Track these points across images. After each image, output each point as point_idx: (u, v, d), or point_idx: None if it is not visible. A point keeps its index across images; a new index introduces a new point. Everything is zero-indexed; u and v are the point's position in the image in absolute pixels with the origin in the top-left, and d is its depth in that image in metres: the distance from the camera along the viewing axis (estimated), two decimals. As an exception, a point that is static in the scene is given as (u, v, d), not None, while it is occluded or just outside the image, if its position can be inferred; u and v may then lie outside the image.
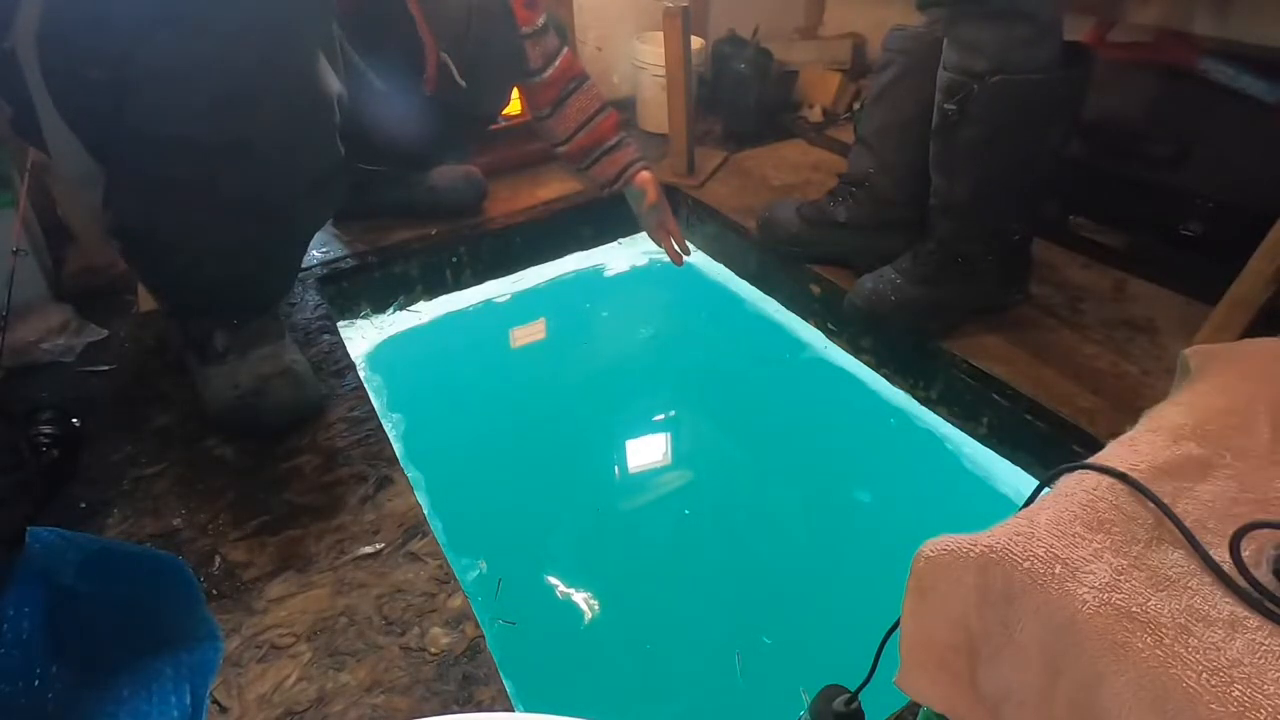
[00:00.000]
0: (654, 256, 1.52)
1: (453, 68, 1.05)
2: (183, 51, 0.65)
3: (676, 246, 1.26)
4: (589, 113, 1.19)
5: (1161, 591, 0.36)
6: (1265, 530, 0.38)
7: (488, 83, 1.11)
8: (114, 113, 0.67)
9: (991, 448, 1.01)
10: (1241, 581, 0.36)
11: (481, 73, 1.08)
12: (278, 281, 0.90)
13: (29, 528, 0.46)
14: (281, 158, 0.74)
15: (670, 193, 1.46)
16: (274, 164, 0.73)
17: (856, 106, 1.67)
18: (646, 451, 1.14)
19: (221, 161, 0.71)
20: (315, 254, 1.21)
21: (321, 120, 0.75)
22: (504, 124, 1.44)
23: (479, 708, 0.60)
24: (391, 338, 1.27)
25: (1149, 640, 0.34)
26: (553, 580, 0.92)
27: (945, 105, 0.89)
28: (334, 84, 0.75)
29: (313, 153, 0.77)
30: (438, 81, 1.05)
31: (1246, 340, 0.53)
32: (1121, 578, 0.36)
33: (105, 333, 1.01)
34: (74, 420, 0.82)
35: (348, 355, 0.99)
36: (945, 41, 0.89)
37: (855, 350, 1.19)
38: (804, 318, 1.27)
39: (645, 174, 1.21)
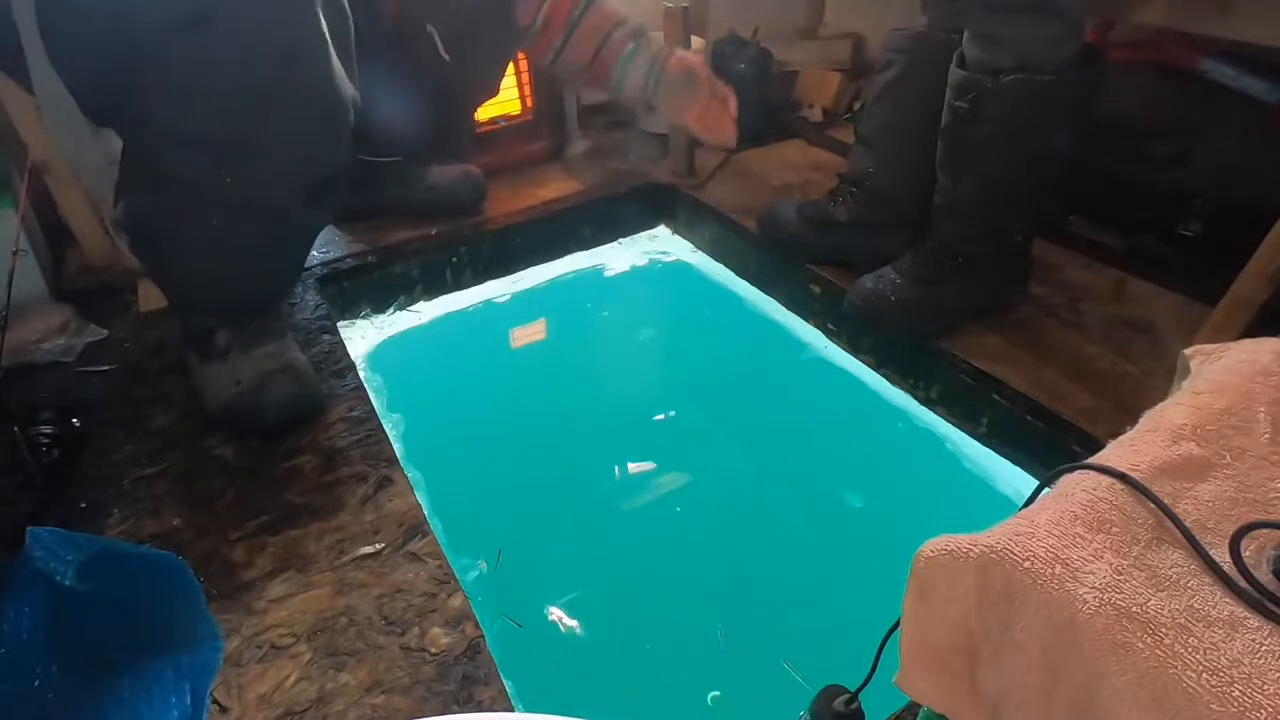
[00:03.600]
0: (654, 257, 1.52)
1: (438, 39, 1.04)
2: (206, 53, 0.66)
3: (724, 128, 1.13)
4: (604, 31, 1.10)
5: (1162, 592, 0.36)
6: (1265, 530, 0.38)
7: (474, 61, 1.10)
8: (134, 111, 0.68)
9: (991, 448, 1.01)
10: (1241, 582, 0.36)
11: (467, 48, 1.07)
12: (281, 281, 0.90)
13: (29, 528, 0.46)
14: (293, 161, 0.74)
15: (670, 193, 1.46)
16: (285, 167, 0.74)
17: (856, 106, 1.67)
18: (646, 451, 1.14)
19: (235, 162, 0.71)
20: (315, 254, 1.21)
21: (336, 125, 0.76)
22: (504, 124, 1.45)
23: (479, 708, 0.60)
24: (391, 338, 1.27)
25: (1149, 640, 0.34)
26: (553, 580, 0.92)
27: (956, 103, 0.89)
28: (349, 89, 0.75)
29: (324, 156, 0.77)
30: (409, 34, 1.03)
31: (1246, 340, 0.53)
32: (1121, 578, 0.36)
33: (105, 333, 1.01)
34: (74, 420, 0.83)
35: (348, 355, 0.99)
36: (966, 37, 0.88)
37: (855, 350, 1.19)
38: (804, 318, 1.27)
39: (671, 59, 1.11)
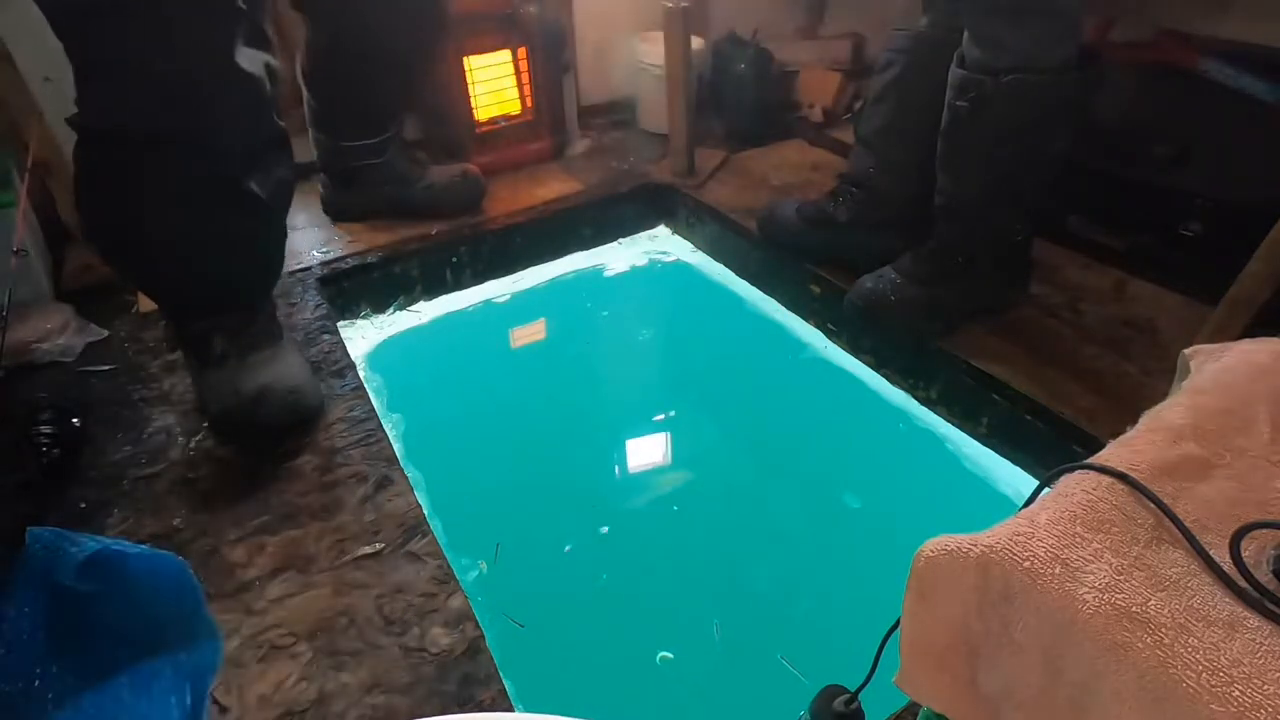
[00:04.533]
0: (654, 257, 1.52)
1: None
2: (120, 35, 0.66)
3: None
4: None
5: (1161, 591, 0.36)
6: (1265, 530, 0.38)
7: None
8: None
9: (991, 448, 1.01)
10: (1241, 581, 0.36)
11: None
12: (255, 273, 0.87)
13: (29, 528, 0.46)
14: (220, 135, 0.74)
15: (670, 193, 1.46)
16: (213, 141, 0.74)
17: (856, 106, 1.67)
18: (646, 451, 1.14)
19: (158, 150, 0.72)
20: (315, 254, 1.21)
21: (250, 94, 0.75)
22: (504, 124, 1.45)
23: (479, 708, 0.60)
24: (391, 338, 1.27)
25: (1149, 640, 0.34)
26: (553, 580, 0.92)
27: (957, 103, 0.89)
28: (258, 59, 0.75)
29: (246, 128, 0.76)
30: None
31: (1246, 340, 0.52)
32: (1121, 578, 0.36)
33: (105, 333, 1.01)
34: (74, 420, 0.83)
35: (348, 355, 0.99)
36: (965, 37, 0.88)
37: (855, 350, 1.19)
38: (804, 318, 1.27)
39: None
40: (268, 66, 0.76)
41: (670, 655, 0.82)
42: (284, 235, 0.89)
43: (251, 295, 0.88)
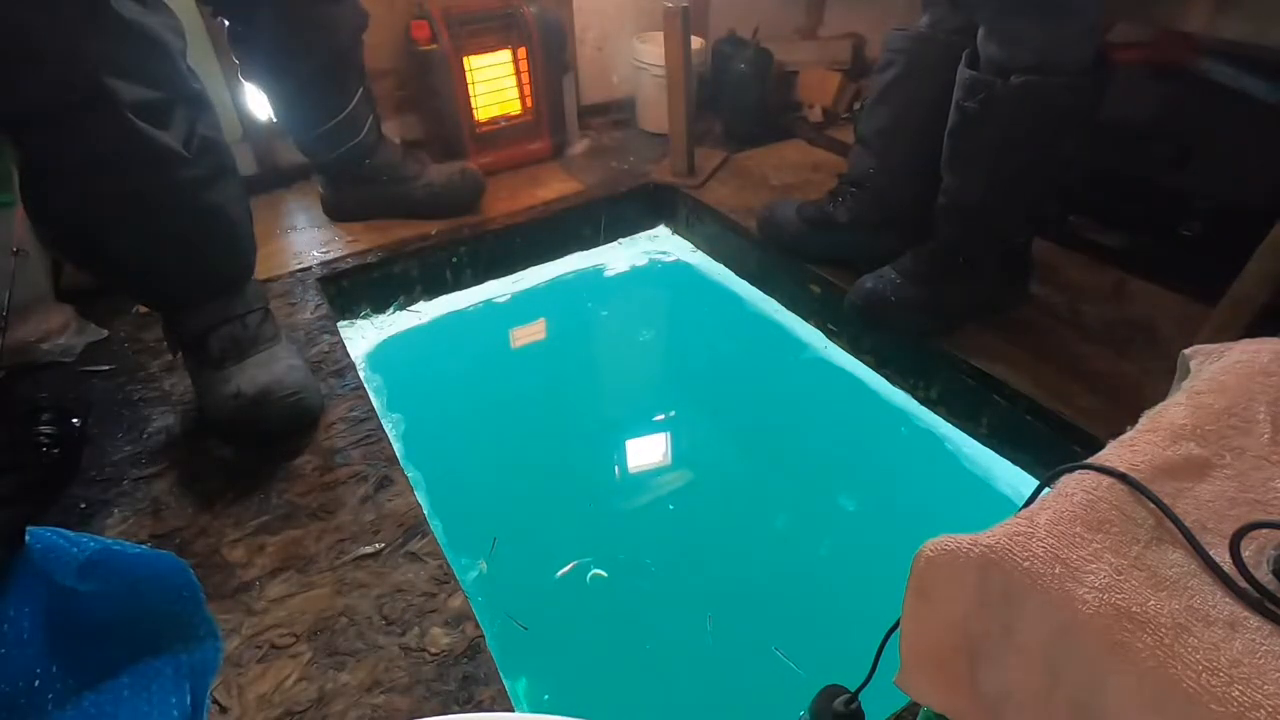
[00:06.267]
0: (654, 257, 1.52)
1: None
2: None
3: None
4: None
5: (1161, 592, 0.36)
6: (1265, 530, 0.38)
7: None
8: None
9: (991, 448, 1.01)
10: (1241, 582, 0.36)
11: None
12: (211, 242, 0.83)
13: (29, 528, 0.46)
14: (113, 93, 0.70)
15: (670, 192, 1.46)
16: (112, 99, 0.70)
17: (856, 106, 1.67)
18: (646, 452, 1.14)
19: (68, 122, 0.69)
20: (315, 254, 1.21)
21: (142, 46, 0.72)
22: (504, 124, 1.45)
23: (479, 708, 0.60)
24: (391, 338, 1.27)
25: (1149, 640, 0.34)
26: (552, 579, 0.92)
27: (965, 104, 0.88)
28: (148, 15, 0.72)
29: (146, 80, 0.73)
30: None
31: (1246, 340, 0.52)
32: (1121, 578, 0.36)
33: (105, 333, 1.01)
34: (74, 420, 0.82)
35: (348, 355, 0.99)
36: (981, 34, 0.86)
37: (855, 350, 1.19)
38: (804, 318, 1.27)
39: None
40: (171, 28, 0.74)
41: (604, 574, 0.81)
42: (232, 201, 0.83)
43: (224, 267, 0.85)
